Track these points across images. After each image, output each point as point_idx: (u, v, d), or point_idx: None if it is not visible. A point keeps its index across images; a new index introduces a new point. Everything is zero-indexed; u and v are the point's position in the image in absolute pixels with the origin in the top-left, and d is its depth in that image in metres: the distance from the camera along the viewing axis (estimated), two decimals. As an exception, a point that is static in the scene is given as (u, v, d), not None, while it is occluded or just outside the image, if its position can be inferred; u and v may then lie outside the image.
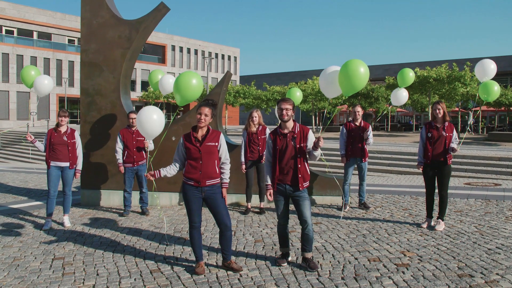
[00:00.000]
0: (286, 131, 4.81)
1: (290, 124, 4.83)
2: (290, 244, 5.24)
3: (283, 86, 38.10)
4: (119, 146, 7.70)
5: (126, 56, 8.49)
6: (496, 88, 8.15)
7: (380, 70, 66.81)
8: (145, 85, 60.28)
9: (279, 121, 4.93)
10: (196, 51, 69.22)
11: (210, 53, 69.97)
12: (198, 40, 69.85)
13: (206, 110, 4.61)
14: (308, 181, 4.86)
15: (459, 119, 36.45)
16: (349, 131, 8.01)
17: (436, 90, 30.20)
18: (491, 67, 8.15)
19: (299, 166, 4.76)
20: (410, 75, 9.21)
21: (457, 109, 42.38)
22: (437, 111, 6.58)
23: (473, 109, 44.19)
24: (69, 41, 55.26)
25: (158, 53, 64.52)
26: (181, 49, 67.08)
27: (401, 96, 9.39)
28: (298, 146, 4.75)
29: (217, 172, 4.76)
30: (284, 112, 4.76)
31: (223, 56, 73.56)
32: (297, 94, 10.22)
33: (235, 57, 76.18)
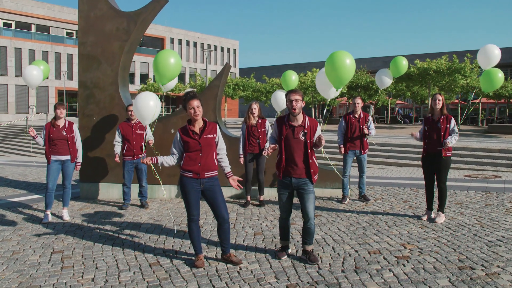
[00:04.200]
0: (295, 123, 4.73)
1: (300, 117, 4.74)
2: (290, 237, 5.21)
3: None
4: (117, 140, 7.67)
5: (124, 48, 8.43)
6: (500, 75, 7.83)
7: (379, 62, 66.60)
8: (144, 77, 60.14)
9: (278, 113, 4.91)
10: (195, 44, 68.95)
11: (209, 46, 69.70)
12: (197, 32, 69.57)
13: (196, 102, 4.57)
14: (317, 174, 4.80)
15: (459, 111, 36.35)
16: (348, 123, 7.96)
17: (436, 82, 30.12)
18: (495, 53, 7.87)
19: (310, 161, 4.72)
20: (403, 63, 9.10)
21: (457, 101, 42.29)
22: (437, 101, 6.54)
23: (472, 101, 44.12)
24: (68, 33, 55.00)
25: (157, 46, 64.20)
26: (180, 41, 66.80)
27: (385, 79, 9.23)
28: (308, 141, 4.69)
29: (215, 164, 4.75)
30: (294, 103, 4.65)
31: (222, 48, 73.31)
32: (292, 78, 9.91)
33: (234, 50, 75.92)
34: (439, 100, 6.53)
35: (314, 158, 4.78)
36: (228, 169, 4.84)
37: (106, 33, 8.46)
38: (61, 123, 6.95)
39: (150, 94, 6.31)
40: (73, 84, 51.15)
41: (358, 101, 7.94)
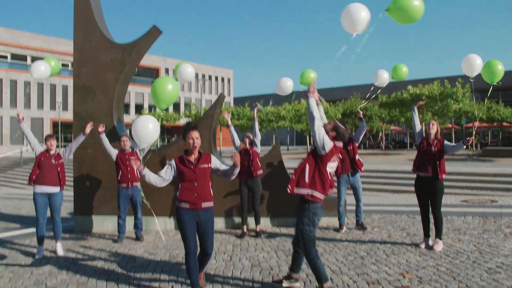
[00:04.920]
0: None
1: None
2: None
3: (277, 106, 38.18)
4: (110, 150, 7.66)
5: (119, 79, 8.47)
6: (500, 67, 7.80)
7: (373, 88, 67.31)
8: (139, 108, 60.38)
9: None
10: (189, 73, 69.57)
11: (203, 75, 70.36)
12: (192, 62, 70.26)
13: (196, 134, 4.65)
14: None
15: (453, 136, 36.61)
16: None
17: (429, 107, 30.40)
18: (477, 62, 7.99)
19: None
20: (403, 70, 9.16)
21: (450, 125, 42.63)
22: (431, 125, 6.59)
23: (465, 125, 44.43)
24: (63, 65, 55.38)
25: (152, 76, 64.78)
26: (174, 71, 67.42)
27: (382, 77, 9.23)
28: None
29: (211, 194, 4.72)
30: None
31: (216, 77, 74.02)
32: (311, 76, 9.58)
33: (229, 79, 76.66)
34: (432, 125, 6.59)
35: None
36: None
37: (101, 64, 8.52)
38: (51, 152, 6.94)
39: (150, 117, 6.37)
40: (68, 115, 51.26)
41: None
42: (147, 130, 6.17)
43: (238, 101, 76.23)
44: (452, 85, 29.88)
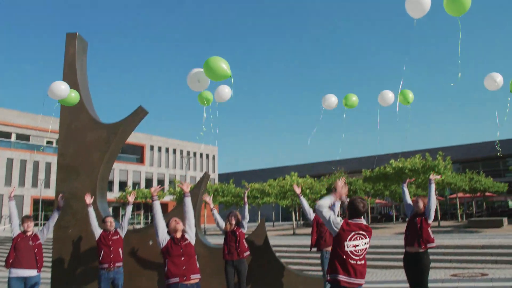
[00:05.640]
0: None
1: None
2: None
3: (261, 183, 38.21)
4: (94, 225, 7.42)
5: (104, 159, 8.47)
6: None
7: (356, 162, 68.25)
8: (122, 185, 59.85)
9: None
10: (174, 151, 70.02)
11: (188, 152, 70.83)
12: (177, 139, 70.98)
13: (176, 218, 5.41)
14: None
15: (438, 207, 36.71)
16: (319, 224, 7.87)
17: (413, 180, 30.71)
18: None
19: None
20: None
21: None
22: (417, 204, 6.67)
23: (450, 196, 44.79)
24: (48, 142, 55.31)
25: (137, 153, 64.95)
26: (159, 148, 67.77)
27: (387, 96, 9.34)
28: None
29: (198, 268, 5.22)
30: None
31: (201, 154, 74.49)
32: (353, 99, 9.62)
33: (214, 156, 77.20)
34: (418, 203, 6.67)
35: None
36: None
37: (86, 143, 8.56)
38: (28, 234, 6.77)
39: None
40: (50, 192, 50.37)
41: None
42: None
43: (223, 177, 76.30)
44: (433, 157, 30.49)
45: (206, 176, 8.77)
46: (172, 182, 64.94)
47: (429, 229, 6.51)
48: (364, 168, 36.60)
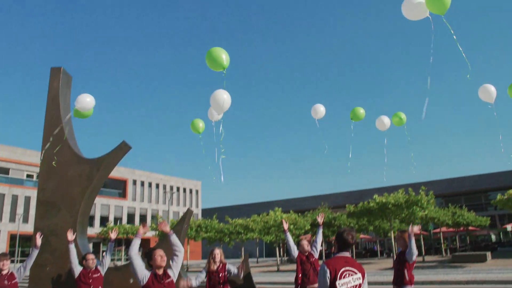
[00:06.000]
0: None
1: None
2: None
3: (245, 218, 37.86)
4: (75, 264, 7.17)
5: (85, 194, 8.33)
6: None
7: (340, 197, 68.35)
8: (104, 220, 58.70)
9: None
10: (157, 185, 69.19)
11: (171, 187, 70.09)
12: (160, 174, 70.26)
13: (161, 252, 5.23)
14: None
15: (422, 242, 36.70)
16: (303, 262, 7.71)
17: (396, 215, 30.80)
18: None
19: None
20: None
21: (418, 232, 42.94)
22: (399, 241, 6.71)
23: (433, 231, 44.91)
24: (28, 175, 54.14)
25: (119, 188, 64.00)
26: (142, 183, 66.92)
27: (383, 121, 9.70)
28: None
29: None
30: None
31: (184, 189, 73.75)
32: (361, 111, 10.13)
33: (197, 190, 76.50)
34: (398, 239, 6.70)
35: None
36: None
37: (68, 179, 8.41)
38: (4, 272, 6.52)
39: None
40: (28, 228, 48.96)
41: (304, 242, 7.72)
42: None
43: (207, 212, 75.48)
44: (416, 192, 30.71)
45: (189, 212, 8.66)
46: (154, 218, 63.94)
47: (406, 271, 6.47)
48: (348, 203, 36.62)
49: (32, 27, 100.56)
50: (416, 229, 6.80)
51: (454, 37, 6.17)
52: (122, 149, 8.57)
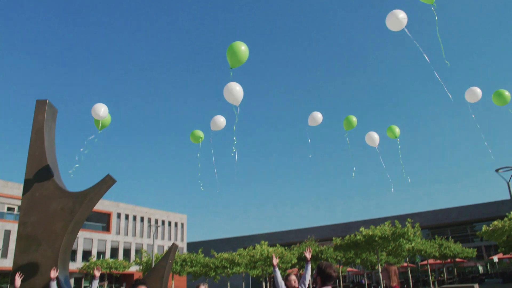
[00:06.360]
0: None
1: None
2: None
3: (231, 252, 37.34)
4: None
5: (67, 228, 8.14)
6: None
7: (326, 230, 67.99)
8: (86, 254, 57.33)
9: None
10: (142, 219, 68.09)
11: (156, 220, 69.08)
12: (145, 207, 69.30)
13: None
14: None
15: (409, 274, 36.46)
16: None
17: (383, 248, 30.68)
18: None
19: None
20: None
21: (405, 264, 42.73)
22: (383, 273, 6.59)
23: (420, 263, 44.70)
24: (9, 208, 52.74)
25: (103, 221, 62.79)
26: (126, 216, 65.83)
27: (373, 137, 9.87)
28: None
29: None
30: None
31: (170, 223, 72.69)
32: (353, 120, 10.48)
33: (182, 224, 75.46)
34: (383, 274, 6.57)
35: None
36: None
37: (50, 212, 8.23)
38: None
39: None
40: (7, 263, 47.43)
41: (292, 277, 7.60)
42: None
43: (192, 246, 74.36)
44: (402, 224, 30.74)
45: (173, 247, 8.52)
46: (139, 252, 62.68)
47: None
48: (334, 236, 36.42)
49: (18, 58, 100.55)
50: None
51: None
52: (106, 183, 8.45)
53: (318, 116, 10.17)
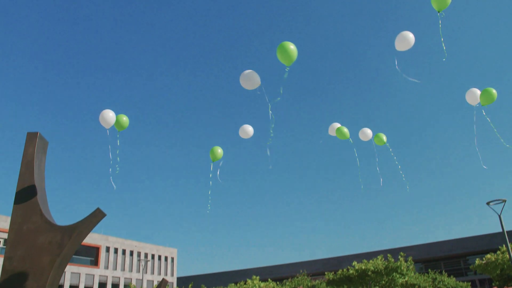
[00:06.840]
0: None
1: None
2: None
3: (222, 287, 36.65)
4: None
5: (55, 263, 7.96)
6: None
7: (318, 264, 67.16)
8: (73, 291, 55.91)
9: None
10: (131, 252, 66.90)
11: (146, 254, 67.91)
12: (134, 241, 68.21)
13: None
14: None
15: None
16: None
17: (376, 282, 30.31)
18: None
19: None
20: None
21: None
22: None
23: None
24: (-5, 243, 51.72)
25: (91, 255, 61.58)
26: (116, 250, 64.69)
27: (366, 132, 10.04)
28: None
29: None
30: None
31: (160, 257, 71.47)
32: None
33: (172, 258, 74.20)
34: None
35: None
36: None
37: (37, 247, 8.06)
38: None
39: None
40: (-9, 302, 46.08)
41: None
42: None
43: (182, 281, 72.88)
44: (395, 258, 30.48)
45: (163, 283, 8.36)
46: (127, 287, 61.29)
47: None
48: (327, 270, 35.97)
49: (8, 90, 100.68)
50: None
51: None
52: (96, 217, 8.32)
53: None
